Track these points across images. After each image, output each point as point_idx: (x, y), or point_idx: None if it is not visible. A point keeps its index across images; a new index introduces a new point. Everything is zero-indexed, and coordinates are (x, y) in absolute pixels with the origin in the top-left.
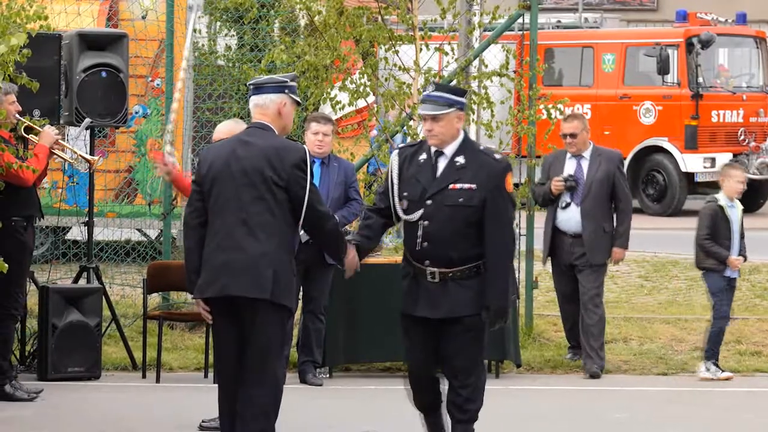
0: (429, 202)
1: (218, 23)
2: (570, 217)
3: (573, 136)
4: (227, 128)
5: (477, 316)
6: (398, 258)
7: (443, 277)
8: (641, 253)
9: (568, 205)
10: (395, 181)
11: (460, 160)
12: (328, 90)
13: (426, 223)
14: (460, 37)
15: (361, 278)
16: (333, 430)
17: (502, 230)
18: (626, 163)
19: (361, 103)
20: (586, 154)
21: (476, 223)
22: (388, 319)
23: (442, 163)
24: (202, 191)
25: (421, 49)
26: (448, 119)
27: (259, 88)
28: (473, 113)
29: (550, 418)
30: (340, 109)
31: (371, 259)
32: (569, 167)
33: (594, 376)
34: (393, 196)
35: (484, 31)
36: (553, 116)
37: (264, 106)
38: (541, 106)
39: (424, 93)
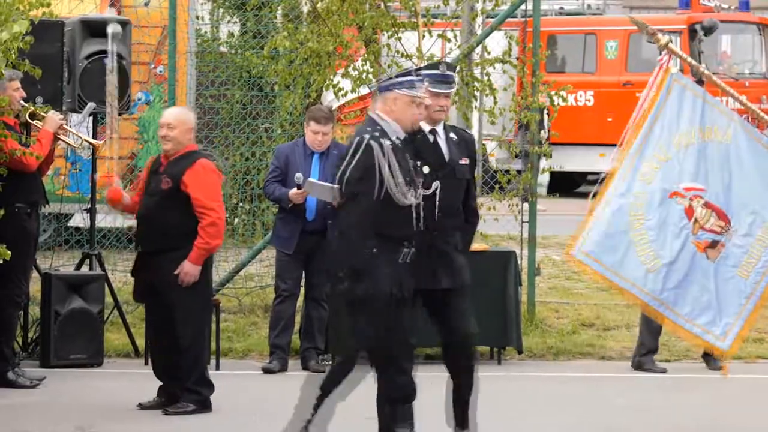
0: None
1: (221, 10)
2: None
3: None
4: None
5: None
6: None
7: None
8: None
9: None
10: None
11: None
12: (331, 77)
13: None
14: (462, 24)
15: None
16: (336, 416)
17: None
18: None
19: (363, 90)
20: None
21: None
22: None
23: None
24: None
25: (423, 36)
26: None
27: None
28: (476, 100)
29: (552, 405)
30: (342, 95)
31: None
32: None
33: None
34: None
35: (487, 17)
36: (555, 103)
37: None
38: (544, 93)
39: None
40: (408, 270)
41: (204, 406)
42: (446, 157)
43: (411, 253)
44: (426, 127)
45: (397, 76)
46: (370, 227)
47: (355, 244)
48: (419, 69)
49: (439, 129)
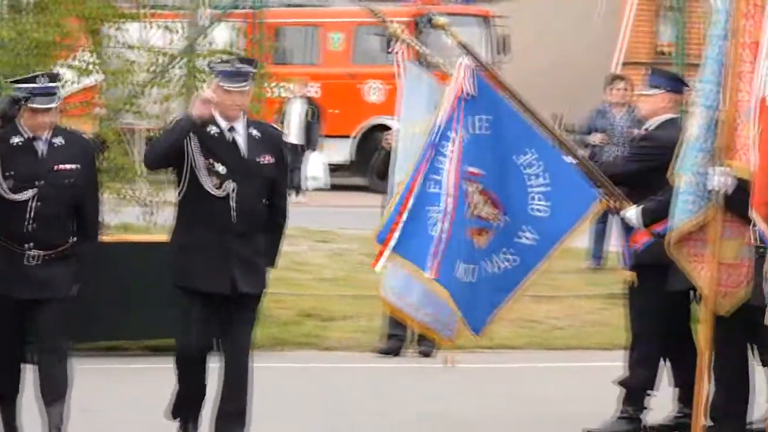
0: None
1: None
2: None
3: None
4: None
5: None
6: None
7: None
8: (368, 231)
9: None
10: None
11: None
12: (52, 67)
13: None
14: (188, 15)
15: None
16: (87, 413)
17: None
18: (356, 142)
19: (87, 81)
20: None
21: None
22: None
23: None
24: None
25: (150, 27)
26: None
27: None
28: (198, 91)
29: (288, 395)
30: (66, 86)
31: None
32: None
33: None
34: None
35: (214, 9)
36: (283, 95)
37: None
38: (273, 85)
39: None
40: (29, 274)
41: None
42: (244, 155)
43: (35, 256)
44: (223, 124)
45: None
46: None
47: None
48: (210, 63)
49: (239, 125)
